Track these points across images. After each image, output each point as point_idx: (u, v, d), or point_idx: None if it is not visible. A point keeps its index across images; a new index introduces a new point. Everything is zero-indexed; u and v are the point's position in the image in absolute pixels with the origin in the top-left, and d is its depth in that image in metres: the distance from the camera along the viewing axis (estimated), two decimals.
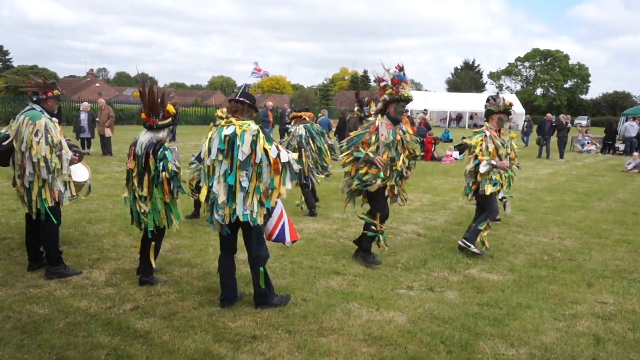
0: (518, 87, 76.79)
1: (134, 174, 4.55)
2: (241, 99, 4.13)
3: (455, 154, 17.60)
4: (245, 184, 3.96)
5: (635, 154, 17.03)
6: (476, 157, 5.91)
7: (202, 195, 4.17)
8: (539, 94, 74.58)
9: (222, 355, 3.52)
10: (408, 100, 5.37)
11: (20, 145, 4.64)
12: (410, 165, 5.63)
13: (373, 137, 5.34)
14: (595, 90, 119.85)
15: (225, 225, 4.10)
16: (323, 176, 8.08)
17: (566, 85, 73.97)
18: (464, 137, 18.27)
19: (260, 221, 4.12)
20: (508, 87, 76.56)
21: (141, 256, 4.79)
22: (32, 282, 4.70)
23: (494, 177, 5.87)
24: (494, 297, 4.73)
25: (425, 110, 30.42)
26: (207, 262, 5.44)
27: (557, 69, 73.04)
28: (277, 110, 25.59)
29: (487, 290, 4.91)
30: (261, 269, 4.22)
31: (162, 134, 4.53)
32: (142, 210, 4.54)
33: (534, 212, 8.82)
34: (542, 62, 74.81)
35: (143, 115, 4.50)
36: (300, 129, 7.87)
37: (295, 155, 4.36)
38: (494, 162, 5.82)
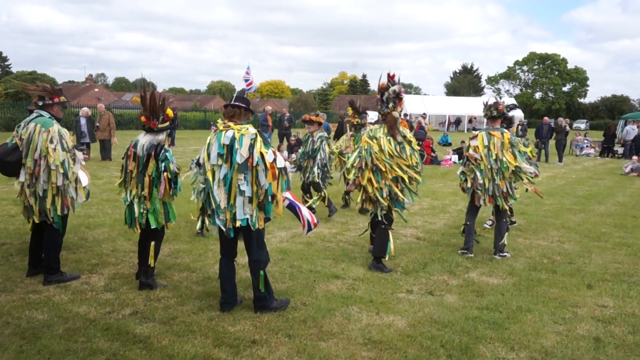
0: (517, 90, 77.00)
1: (134, 175, 4.60)
2: (237, 103, 4.18)
3: (455, 157, 17.62)
4: (244, 187, 3.97)
5: (635, 157, 17.05)
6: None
7: (197, 209, 4.23)
8: (537, 97, 74.71)
9: (222, 359, 3.52)
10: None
11: (33, 153, 4.56)
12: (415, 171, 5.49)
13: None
14: (593, 94, 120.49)
15: (230, 229, 4.10)
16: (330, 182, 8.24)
17: (565, 89, 74.10)
18: (463, 141, 18.38)
19: (259, 225, 4.12)
20: (507, 90, 76.79)
21: (140, 260, 4.79)
22: (31, 288, 4.69)
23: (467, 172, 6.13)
24: (494, 300, 4.73)
25: (424, 114, 30.47)
26: (206, 266, 5.44)
27: (556, 73, 73.27)
28: (276, 115, 25.64)
29: (487, 294, 4.90)
30: (262, 272, 4.23)
31: (162, 137, 4.63)
32: (142, 210, 4.59)
33: (534, 215, 8.82)
34: (541, 65, 75.01)
35: (143, 118, 4.59)
36: (321, 133, 8.00)
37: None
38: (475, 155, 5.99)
